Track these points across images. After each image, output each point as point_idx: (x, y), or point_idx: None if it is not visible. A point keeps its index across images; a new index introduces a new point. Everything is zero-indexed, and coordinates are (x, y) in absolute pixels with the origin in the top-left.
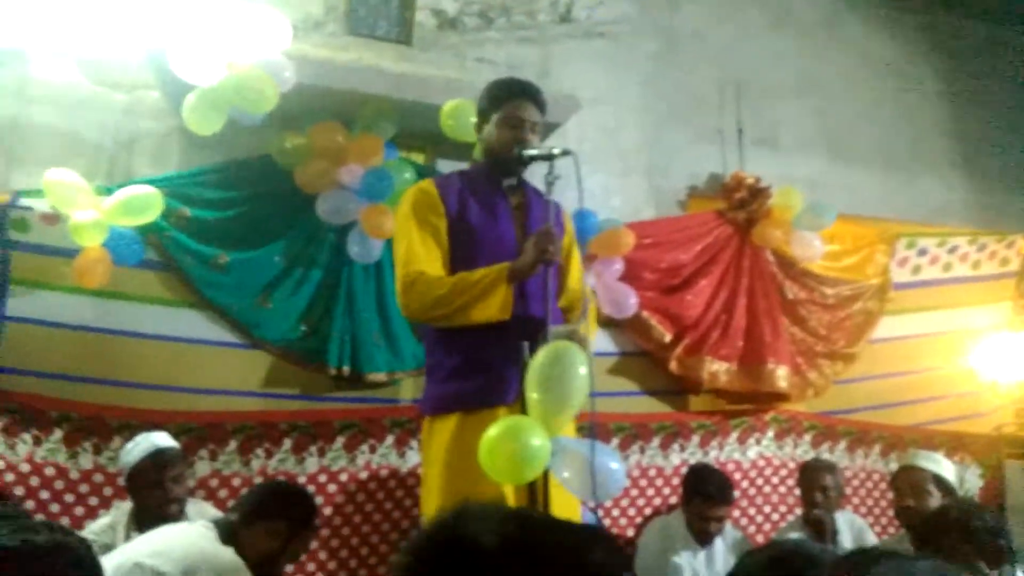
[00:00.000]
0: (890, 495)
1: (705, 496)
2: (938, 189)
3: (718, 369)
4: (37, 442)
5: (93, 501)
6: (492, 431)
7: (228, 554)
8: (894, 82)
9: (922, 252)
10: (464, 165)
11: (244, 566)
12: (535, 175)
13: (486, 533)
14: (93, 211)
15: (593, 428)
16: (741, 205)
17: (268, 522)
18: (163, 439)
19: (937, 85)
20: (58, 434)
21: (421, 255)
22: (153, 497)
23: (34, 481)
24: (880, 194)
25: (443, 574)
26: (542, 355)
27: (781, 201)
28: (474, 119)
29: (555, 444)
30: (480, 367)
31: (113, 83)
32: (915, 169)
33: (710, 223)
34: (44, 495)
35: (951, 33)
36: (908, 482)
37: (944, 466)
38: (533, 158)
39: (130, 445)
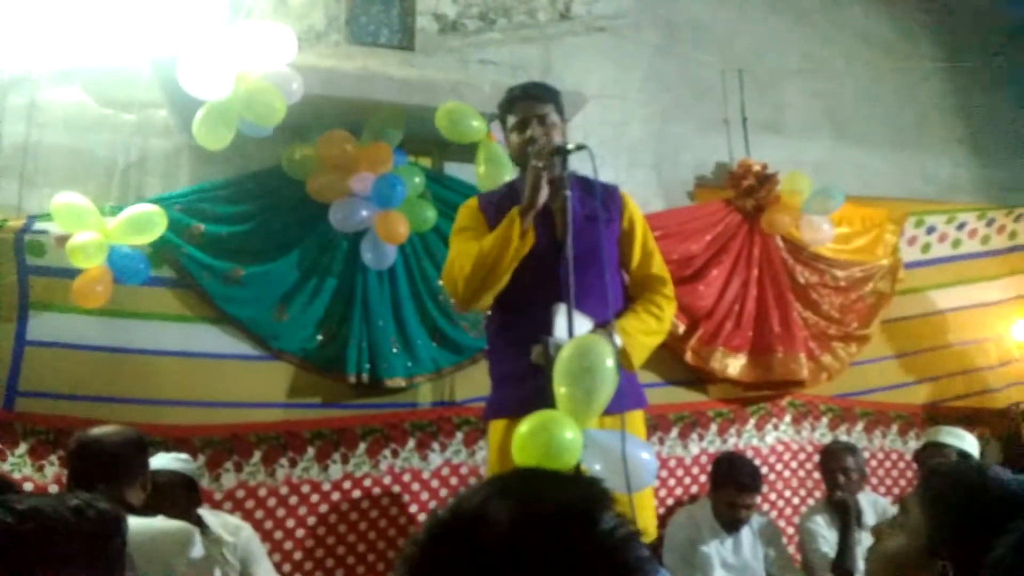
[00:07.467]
0: (909, 474)
1: (739, 484)
2: (944, 166)
3: (730, 361)
4: (64, 463)
5: None
6: (523, 427)
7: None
8: (895, 61)
9: (931, 230)
10: (472, 167)
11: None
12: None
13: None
14: (95, 232)
15: (623, 419)
16: (749, 192)
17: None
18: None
19: (938, 61)
20: None
21: (462, 255)
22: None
23: None
24: (887, 173)
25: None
26: (568, 349)
27: (789, 186)
28: (472, 121)
29: (586, 437)
30: (523, 375)
31: (121, 103)
32: (921, 147)
33: (719, 212)
34: None
35: (949, 9)
36: (933, 459)
37: (968, 442)
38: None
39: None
